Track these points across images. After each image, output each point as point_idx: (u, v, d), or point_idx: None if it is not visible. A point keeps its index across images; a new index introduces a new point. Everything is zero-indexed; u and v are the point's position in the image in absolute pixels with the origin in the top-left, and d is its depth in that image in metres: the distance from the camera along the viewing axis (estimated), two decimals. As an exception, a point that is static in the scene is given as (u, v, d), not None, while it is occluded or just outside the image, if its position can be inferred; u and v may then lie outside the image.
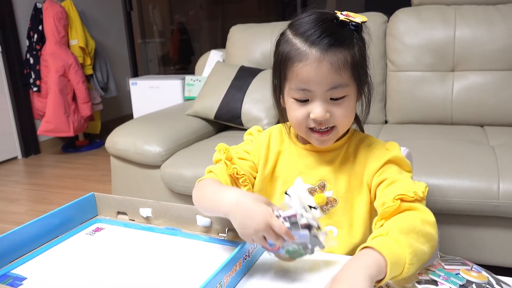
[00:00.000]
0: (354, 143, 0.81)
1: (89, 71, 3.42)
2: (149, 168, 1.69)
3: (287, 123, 0.84)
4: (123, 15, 3.68)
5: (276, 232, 0.64)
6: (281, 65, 0.74)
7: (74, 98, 3.24)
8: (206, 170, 0.85)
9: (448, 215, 1.29)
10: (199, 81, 2.35)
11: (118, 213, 0.98)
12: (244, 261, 0.73)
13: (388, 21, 1.94)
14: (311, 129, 0.75)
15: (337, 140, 0.80)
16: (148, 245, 0.85)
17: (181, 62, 4.59)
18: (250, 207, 0.66)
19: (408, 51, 1.83)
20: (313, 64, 0.69)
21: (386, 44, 1.91)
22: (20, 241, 0.82)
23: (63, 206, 0.92)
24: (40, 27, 3.14)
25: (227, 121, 1.90)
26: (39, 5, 3.16)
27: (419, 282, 0.66)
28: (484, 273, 0.66)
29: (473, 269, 0.68)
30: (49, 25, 3.07)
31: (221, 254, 0.78)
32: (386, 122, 1.94)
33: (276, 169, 0.84)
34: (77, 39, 3.24)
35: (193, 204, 0.83)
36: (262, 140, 0.86)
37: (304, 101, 0.73)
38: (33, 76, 3.18)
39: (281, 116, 0.84)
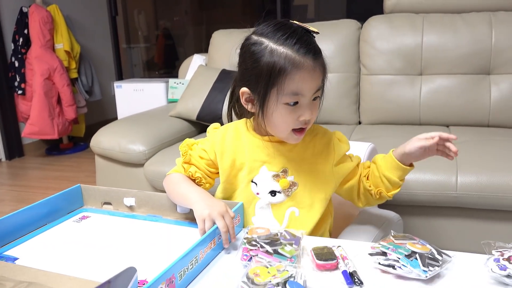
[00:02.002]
0: (309, 132, 0.91)
1: (74, 74, 3.47)
2: (133, 167, 1.76)
3: (245, 120, 0.94)
4: (109, 20, 3.73)
5: (229, 219, 0.79)
6: (273, 75, 0.79)
7: (59, 101, 3.28)
8: (176, 161, 0.98)
9: (412, 206, 1.39)
10: (182, 84, 2.43)
11: (104, 203, 1.05)
12: (219, 240, 0.81)
13: (361, 27, 2.06)
14: (293, 130, 0.84)
15: None
16: (132, 229, 0.92)
17: (166, 67, 4.64)
18: (213, 199, 0.85)
19: (379, 56, 1.94)
20: (309, 72, 0.79)
21: (360, 49, 2.02)
22: (10, 227, 0.88)
23: (50, 196, 0.98)
24: (25, 31, 3.18)
25: (208, 121, 1.97)
26: (24, 9, 3.20)
27: (372, 254, 0.75)
28: (428, 245, 0.76)
29: (419, 242, 0.78)
30: (35, 29, 3.12)
31: (199, 236, 0.86)
32: (360, 122, 2.05)
33: (237, 161, 0.92)
34: (62, 43, 3.29)
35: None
36: (217, 138, 0.94)
37: (294, 105, 0.81)
38: (18, 79, 3.21)
39: (238, 116, 0.96)
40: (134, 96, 2.75)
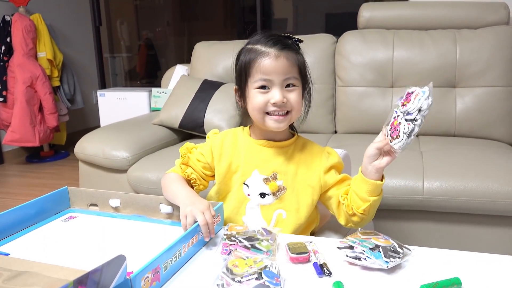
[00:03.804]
0: (300, 143, 1.02)
1: (56, 83, 3.48)
2: (116, 172, 1.80)
3: (242, 127, 1.04)
4: (92, 30, 3.77)
5: (208, 216, 0.85)
6: (244, 67, 0.94)
7: (40, 109, 3.29)
8: (175, 161, 1.06)
9: (382, 210, 1.46)
10: (165, 93, 2.48)
11: (90, 205, 1.10)
12: (200, 236, 0.87)
13: (337, 41, 2.16)
14: (268, 114, 0.93)
15: (285, 140, 1.00)
16: (118, 228, 0.97)
17: (148, 77, 4.68)
18: (198, 198, 0.92)
19: (353, 69, 2.04)
20: (273, 58, 0.91)
21: (335, 62, 2.12)
22: (0, 225, 0.91)
23: (38, 197, 1.02)
24: (8, 39, 3.19)
25: (190, 129, 2.04)
26: (7, 18, 3.22)
27: (340, 247, 0.83)
28: (391, 240, 0.84)
29: (383, 237, 0.86)
30: (18, 37, 3.14)
31: (181, 234, 0.92)
32: (335, 132, 2.14)
33: (233, 164, 1.00)
34: (45, 52, 3.31)
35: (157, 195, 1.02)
36: (216, 142, 1.03)
37: (265, 89, 0.92)
38: (-1, 87, 3.21)
39: (242, 117, 1.04)
40: (117, 105, 2.79)
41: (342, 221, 0.98)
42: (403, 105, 0.82)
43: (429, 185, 1.42)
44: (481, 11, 2.03)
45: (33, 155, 3.58)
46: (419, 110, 0.79)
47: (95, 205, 1.09)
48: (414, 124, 0.80)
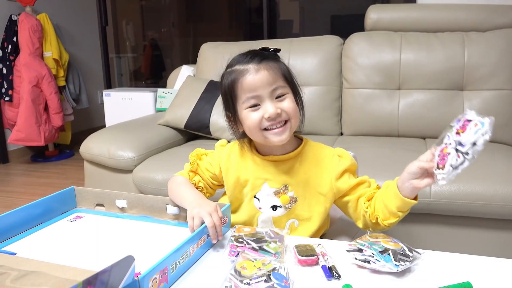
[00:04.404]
0: (309, 150, 0.98)
1: (62, 82, 3.49)
2: (122, 173, 1.80)
3: (246, 140, 0.99)
4: (99, 30, 3.78)
5: (216, 218, 0.85)
6: (229, 91, 0.91)
7: (46, 108, 3.30)
8: (185, 166, 1.05)
9: (389, 212, 1.46)
10: (171, 93, 2.48)
11: (96, 205, 1.10)
12: (207, 238, 0.87)
13: (344, 43, 2.16)
14: (266, 130, 0.89)
15: (292, 151, 0.96)
16: (125, 228, 0.97)
17: (153, 77, 4.69)
18: (205, 200, 0.93)
19: (360, 71, 2.04)
20: (253, 72, 0.88)
21: (342, 63, 2.11)
22: (7, 225, 0.91)
23: (44, 197, 1.02)
24: (14, 39, 3.21)
25: (196, 130, 2.04)
26: (14, 17, 3.23)
27: (349, 250, 0.82)
28: (400, 243, 0.83)
29: (392, 241, 0.85)
30: (24, 37, 3.15)
31: (189, 235, 0.91)
32: (341, 134, 2.14)
33: (240, 178, 0.99)
34: (51, 51, 3.32)
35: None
36: (223, 155, 1.01)
37: (256, 107, 0.89)
38: (5, 86, 3.22)
39: (239, 137, 0.99)
40: (123, 105, 2.79)
41: (360, 224, 0.96)
42: (457, 133, 0.74)
43: (436, 188, 1.41)
44: (490, 13, 2.01)
45: (38, 155, 3.59)
46: (474, 144, 0.72)
47: (102, 205, 1.09)
48: (464, 158, 0.73)
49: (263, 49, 0.95)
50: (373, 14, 2.16)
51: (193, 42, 4.45)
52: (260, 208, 0.98)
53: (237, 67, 0.90)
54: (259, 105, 0.89)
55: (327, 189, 0.96)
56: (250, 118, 0.89)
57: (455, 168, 0.74)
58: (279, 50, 0.96)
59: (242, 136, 0.98)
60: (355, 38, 2.11)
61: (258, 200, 0.98)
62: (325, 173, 0.95)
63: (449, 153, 0.74)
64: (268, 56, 0.91)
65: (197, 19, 4.49)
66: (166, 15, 4.58)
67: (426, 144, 1.84)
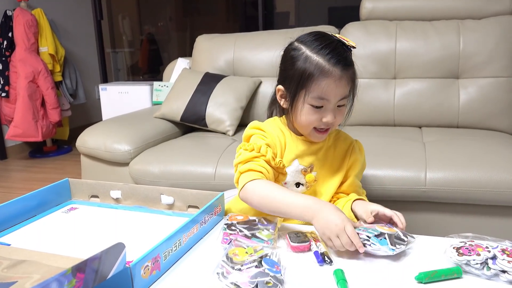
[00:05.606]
0: (332, 136, 1.06)
1: (59, 77, 3.49)
2: (118, 166, 1.80)
3: (282, 118, 1.04)
4: (94, 24, 3.77)
5: (348, 235, 0.77)
6: (303, 78, 0.91)
7: (43, 103, 3.30)
8: (242, 169, 0.92)
9: (385, 201, 1.45)
10: (167, 86, 2.48)
11: (91, 196, 1.10)
12: (201, 226, 0.87)
13: (339, 33, 2.14)
14: (315, 129, 0.95)
15: None
16: (119, 218, 0.97)
17: (150, 72, 4.68)
18: (325, 213, 0.81)
19: (356, 60, 1.99)
20: (335, 80, 0.89)
21: (338, 54, 2.10)
22: (1, 216, 0.92)
23: (39, 189, 1.02)
24: (10, 34, 3.20)
25: (192, 123, 2.03)
26: (9, 13, 3.22)
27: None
28: (395, 228, 0.83)
29: (386, 226, 0.85)
30: (19, 32, 3.14)
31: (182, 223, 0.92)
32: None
33: (282, 149, 1.03)
34: (47, 46, 3.31)
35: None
36: (274, 134, 1.01)
37: (319, 108, 0.92)
38: (1, 82, 3.22)
39: (279, 112, 1.06)
40: (119, 99, 2.79)
41: None
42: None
43: (431, 176, 1.41)
44: (485, 1, 2.00)
45: (36, 150, 3.60)
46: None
47: (96, 196, 1.10)
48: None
49: (341, 42, 0.92)
50: (368, 4, 2.15)
51: (190, 36, 4.44)
52: (285, 183, 1.00)
53: (320, 60, 0.89)
54: (322, 107, 0.92)
55: (341, 177, 1.04)
56: (309, 115, 0.93)
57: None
58: (355, 47, 0.94)
59: (281, 111, 1.04)
60: (350, 28, 2.10)
61: (287, 174, 1.01)
62: (343, 160, 1.05)
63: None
64: (350, 63, 0.91)
65: (194, 13, 4.47)
66: (163, 8, 4.56)
67: (422, 133, 1.83)
